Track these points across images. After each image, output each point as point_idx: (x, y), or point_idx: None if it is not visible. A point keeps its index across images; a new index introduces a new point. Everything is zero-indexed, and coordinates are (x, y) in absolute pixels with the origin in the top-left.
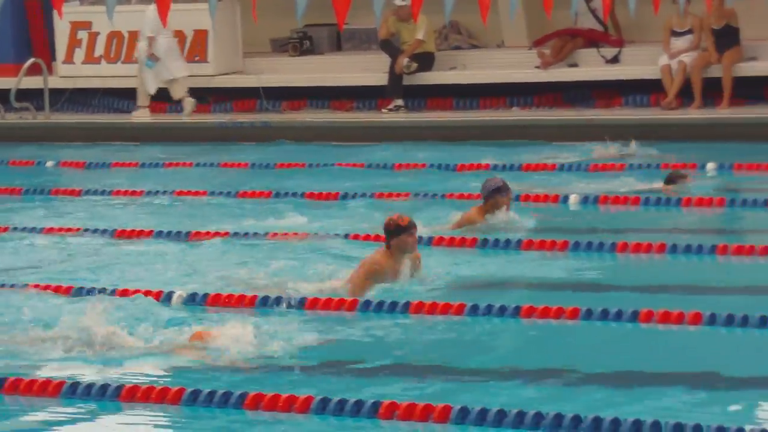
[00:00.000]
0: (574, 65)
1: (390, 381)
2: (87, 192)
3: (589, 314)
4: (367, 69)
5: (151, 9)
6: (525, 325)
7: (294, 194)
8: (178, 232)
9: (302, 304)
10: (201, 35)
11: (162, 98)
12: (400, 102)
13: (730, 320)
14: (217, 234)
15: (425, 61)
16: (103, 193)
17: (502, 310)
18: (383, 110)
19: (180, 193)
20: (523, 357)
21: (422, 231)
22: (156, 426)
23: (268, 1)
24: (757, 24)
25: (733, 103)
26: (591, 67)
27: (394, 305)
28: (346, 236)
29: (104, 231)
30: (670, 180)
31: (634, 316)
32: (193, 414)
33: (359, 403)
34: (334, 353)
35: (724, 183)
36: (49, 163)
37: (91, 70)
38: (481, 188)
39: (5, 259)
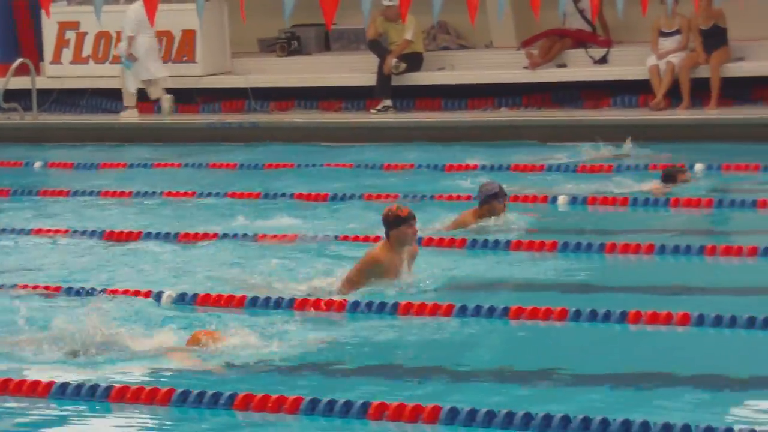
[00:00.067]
0: (563, 66)
1: (379, 382)
2: (75, 193)
3: (577, 315)
4: (355, 69)
5: (132, 9)
6: (514, 326)
7: (283, 195)
8: (167, 233)
9: (291, 304)
10: (189, 35)
11: (149, 99)
12: (388, 102)
13: (718, 321)
14: (206, 235)
15: (414, 62)
16: (91, 194)
17: (491, 311)
18: (372, 111)
19: (168, 194)
20: (512, 358)
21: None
22: (145, 427)
23: (255, 2)
24: (744, 24)
25: (721, 103)
26: (579, 67)
27: (382, 306)
28: (336, 237)
29: (93, 232)
30: (668, 176)
31: (623, 317)
32: (183, 415)
33: (348, 404)
34: (323, 354)
35: (713, 184)
36: (37, 164)
37: (78, 71)
38: (477, 192)
39: None
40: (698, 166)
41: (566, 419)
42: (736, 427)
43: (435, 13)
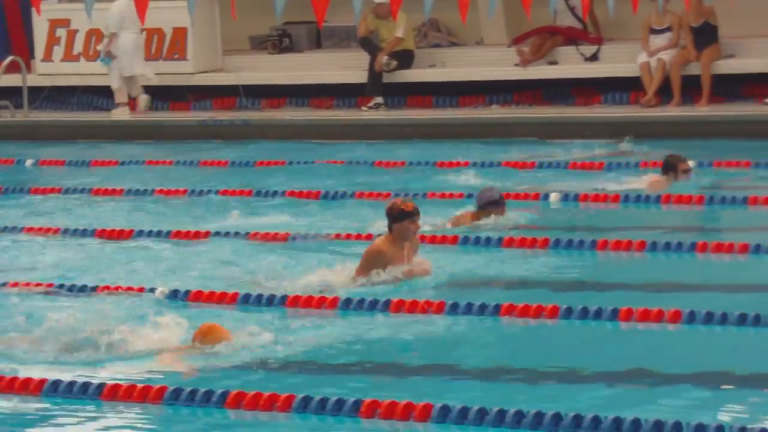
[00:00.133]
0: (554, 63)
1: (371, 380)
2: (67, 190)
3: (569, 312)
4: (346, 67)
5: (115, 5)
6: (505, 324)
7: (275, 192)
8: (159, 231)
9: (283, 302)
10: (180, 33)
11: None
12: (379, 100)
13: (709, 318)
14: (197, 233)
15: (404, 59)
16: (83, 191)
17: (482, 308)
18: (363, 108)
19: (160, 192)
20: (504, 355)
21: None
22: (137, 425)
23: None
24: (735, 21)
25: (712, 100)
26: (570, 64)
27: (374, 303)
28: (328, 234)
29: (84, 230)
30: (668, 165)
31: (614, 314)
32: (175, 413)
33: (340, 402)
34: (315, 352)
35: (704, 181)
36: (29, 162)
37: (69, 68)
38: (476, 196)
39: None
40: (689, 163)
41: (558, 417)
42: (727, 425)
43: (426, 10)
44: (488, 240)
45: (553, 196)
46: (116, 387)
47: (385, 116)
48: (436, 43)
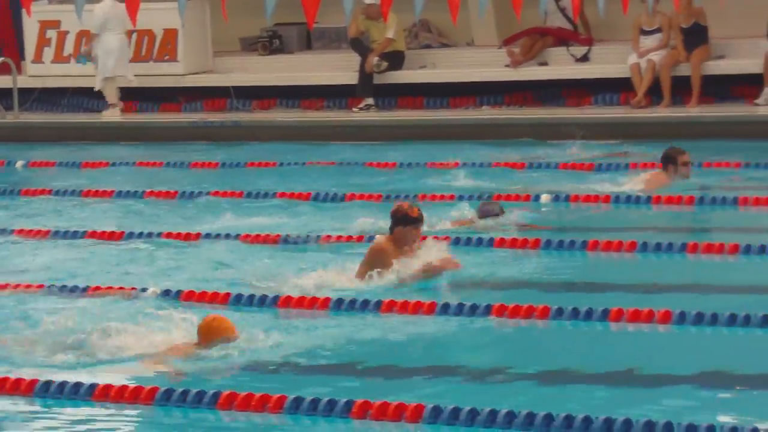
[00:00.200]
0: (544, 64)
1: (362, 380)
2: (57, 192)
3: (559, 313)
4: (337, 68)
5: (99, 6)
6: (496, 324)
7: (266, 194)
8: (150, 233)
9: (275, 302)
10: (170, 34)
11: (131, 97)
12: (370, 101)
13: (699, 318)
14: (188, 235)
15: (395, 60)
16: (73, 193)
17: (473, 309)
18: (354, 109)
19: (150, 194)
20: (495, 356)
21: None
22: (128, 426)
23: (237, 0)
24: (725, 22)
25: (702, 101)
26: (561, 65)
27: (366, 304)
28: (318, 236)
29: (75, 231)
30: (667, 158)
31: (604, 315)
32: (166, 413)
33: (332, 403)
34: (306, 352)
35: (694, 181)
36: (19, 163)
37: (60, 70)
38: (478, 209)
39: None
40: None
41: (549, 417)
42: (718, 425)
43: (417, 11)
44: (479, 241)
45: (544, 197)
46: (107, 388)
47: (376, 117)
48: (427, 44)
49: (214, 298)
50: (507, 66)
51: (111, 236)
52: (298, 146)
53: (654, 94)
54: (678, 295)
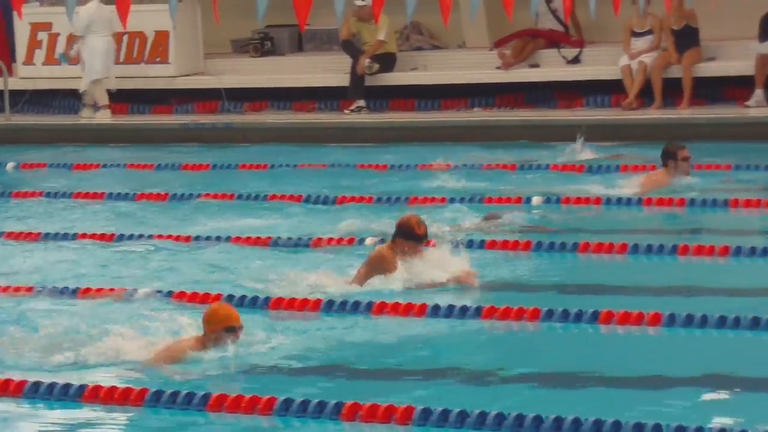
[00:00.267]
0: (535, 66)
1: (352, 382)
2: (48, 194)
3: (549, 315)
4: (328, 70)
5: (84, 8)
6: (486, 326)
7: (257, 196)
8: (140, 235)
9: (266, 304)
10: (162, 36)
11: (123, 99)
12: (361, 103)
13: (689, 320)
14: (179, 236)
15: (387, 62)
16: (64, 195)
17: (464, 310)
18: (345, 111)
19: (142, 195)
20: (485, 358)
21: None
22: (117, 427)
23: (228, 2)
24: (716, 24)
25: (693, 103)
26: (552, 67)
27: (356, 305)
28: (310, 238)
29: (66, 233)
30: (667, 154)
31: (594, 317)
32: (156, 415)
33: (322, 404)
34: (296, 353)
35: (686, 182)
36: (10, 165)
37: (51, 72)
38: (484, 216)
39: None
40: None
41: (539, 419)
42: (707, 427)
43: (408, 13)
44: (470, 243)
45: (535, 199)
46: (97, 389)
47: (367, 119)
48: (418, 46)
49: (206, 300)
50: (498, 68)
51: (102, 238)
52: (289, 148)
53: (645, 96)
54: (668, 297)
